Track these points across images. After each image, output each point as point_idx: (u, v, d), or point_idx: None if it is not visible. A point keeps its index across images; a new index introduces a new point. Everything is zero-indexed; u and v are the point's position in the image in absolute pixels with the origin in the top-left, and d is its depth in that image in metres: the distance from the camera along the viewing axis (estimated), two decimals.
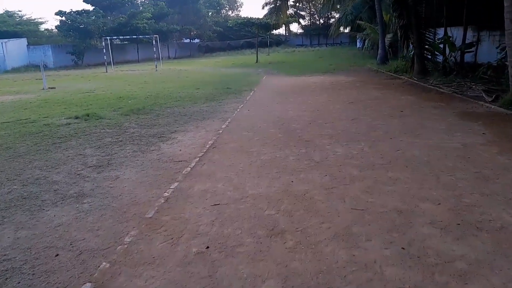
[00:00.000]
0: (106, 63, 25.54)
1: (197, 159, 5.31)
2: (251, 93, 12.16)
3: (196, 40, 54.78)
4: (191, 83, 16.16)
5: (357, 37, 39.07)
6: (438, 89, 10.89)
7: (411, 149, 5.34)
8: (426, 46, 14.31)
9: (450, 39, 14.64)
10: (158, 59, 26.95)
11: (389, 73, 16.49)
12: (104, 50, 26.11)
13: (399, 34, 15.14)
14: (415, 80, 13.26)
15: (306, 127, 7.09)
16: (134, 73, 23.58)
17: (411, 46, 15.83)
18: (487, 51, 15.06)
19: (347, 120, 7.46)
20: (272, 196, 3.89)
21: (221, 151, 5.71)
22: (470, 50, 14.50)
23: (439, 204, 3.54)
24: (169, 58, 45.06)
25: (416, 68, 14.16)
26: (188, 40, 54.04)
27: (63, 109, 10.12)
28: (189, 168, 4.90)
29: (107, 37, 27.58)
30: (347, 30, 41.01)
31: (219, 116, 8.57)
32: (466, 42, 14.66)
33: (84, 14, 33.60)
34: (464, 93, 9.94)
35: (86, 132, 7.37)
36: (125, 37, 30.84)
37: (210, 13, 53.48)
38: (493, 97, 8.45)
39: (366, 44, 29.43)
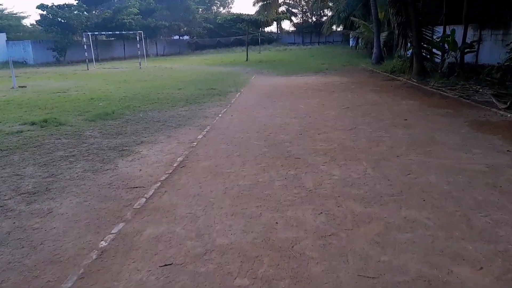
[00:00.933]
0: (87, 60, 24.14)
1: (158, 184, 4.22)
2: (237, 95, 11.07)
3: (186, 37, 53.39)
4: (174, 82, 15.01)
5: (350, 35, 38.21)
6: (441, 92, 9.92)
7: (425, 172, 4.31)
8: (425, 45, 13.36)
9: (450, 37, 13.67)
10: (142, 56, 25.67)
11: (385, 73, 15.52)
12: (85, 46, 24.66)
13: (396, 32, 14.17)
14: (414, 81, 12.30)
15: (296, 138, 6.04)
16: (116, 70, 22.29)
17: (408, 45, 14.93)
18: (489, 51, 14.18)
19: (344, 131, 6.42)
20: (248, 250, 2.82)
21: (190, 172, 4.62)
22: (472, 50, 13.57)
23: (481, 268, 2.51)
24: (157, 55, 43.70)
25: (414, 69, 13.20)
26: (177, 37, 52.61)
27: (22, 113, 8.92)
28: (144, 199, 3.81)
29: (88, 33, 26.13)
30: (340, 28, 40.14)
31: (197, 123, 7.47)
32: (466, 41, 13.75)
33: (66, 8, 32.04)
34: (471, 97, 8.97)
35: (36, 143, 6.21)
36: (107, 33, 29.37)
37: (200, 10, 52.09)
38: (508, 103, 7.48)
39: (359, 42, 28.53)
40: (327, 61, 23.29)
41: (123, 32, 27.84)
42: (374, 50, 19.88)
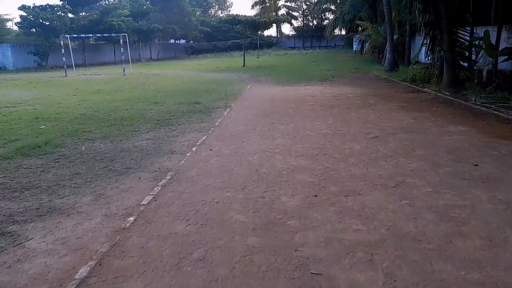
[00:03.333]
0: (65, 65, 21.62)
1: None
2: (225, 113, 8.59)
3: (182, 41, 50.98)
4: (154, 93, 12.53)
5: (354, 39, 35.84)
6: (494, 112, 7.43)
7: None
8: (459, 50, 10.90)
9: (482, 41, 11.22)
10: (127, 61, 23.20)
11: (404, 83, 13.08)
12: (63, 50, 22.13)
13: (423, 33, 11.70)
14: (447, 94, 9.82)
15: (307, 208, 3.54)
16: (96, 78, 19.81)
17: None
18: None
19: (386, 188, 3.91)
20: None
21: None
22: None
23: None
24: (151, 59, 41.29)
25: (445, 78, 10.74)
26: (173, 41, 50.19)
27: None
28: None
29: (67, 35, 23.65)
30: (343, 32, 37.71)
31: (155, 166, 4.97)
32: (500, 44, 11.36)
33: (49, 9, 29.62)
34: None
35: None
36: (88, 35, 26.89)
37: (198, 13, 49.54)
38: None
39: (365, 46, 26.02)
40: (332, 67, 20.87)
41: (105, 35, 25.34)
42: (387, 55, 17.39)
